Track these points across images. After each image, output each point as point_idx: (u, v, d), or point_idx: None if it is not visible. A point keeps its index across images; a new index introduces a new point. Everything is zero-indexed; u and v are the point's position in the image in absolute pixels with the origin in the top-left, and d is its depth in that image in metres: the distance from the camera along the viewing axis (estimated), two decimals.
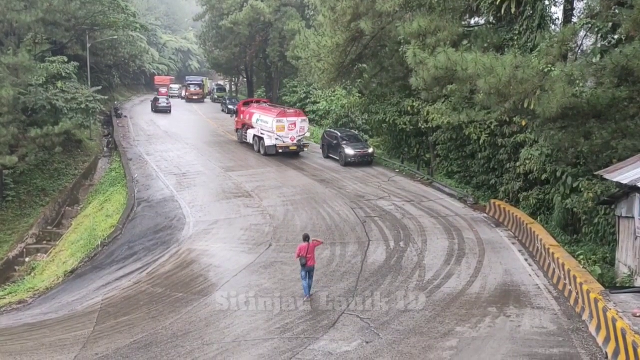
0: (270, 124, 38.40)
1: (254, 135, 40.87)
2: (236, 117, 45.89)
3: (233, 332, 14.74)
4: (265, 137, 39.04)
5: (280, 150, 38.19)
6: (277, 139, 38.17)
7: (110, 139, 49.25)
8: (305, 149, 39.07)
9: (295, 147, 38.40)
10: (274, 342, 13.92)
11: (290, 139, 38.20)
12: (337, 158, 36.38)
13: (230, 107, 61.28)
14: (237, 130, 45.32)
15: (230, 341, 14.19)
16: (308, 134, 40.27)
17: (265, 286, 17.82)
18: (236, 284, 18.18)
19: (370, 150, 36.10)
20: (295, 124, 38.35)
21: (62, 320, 17.46)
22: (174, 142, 45.39)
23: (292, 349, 13.45)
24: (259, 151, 40.07)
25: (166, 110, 63.37)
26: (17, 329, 17.44)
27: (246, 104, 45.73)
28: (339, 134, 37.50)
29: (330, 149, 37.48)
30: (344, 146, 35.66)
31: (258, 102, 46.78)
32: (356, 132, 39.62)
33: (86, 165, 41.89)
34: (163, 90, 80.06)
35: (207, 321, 15.60)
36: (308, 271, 16.46)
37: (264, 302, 16.60)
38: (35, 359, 14.32)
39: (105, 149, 47.50)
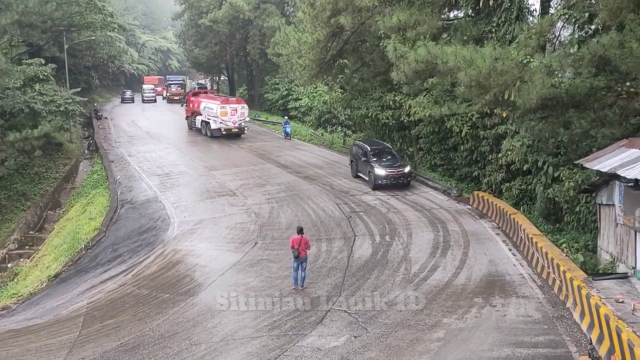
0: (215, 110, 44.65)
1: (202, 121, 46.90)
2: (186, 106, 51.77)
3: (221, 331, 14.71)
4: (211, 121, 45.17)
5: (224, 132, 44.36)
6: (221, 122, 44.37)
7: (91, 141, 48.73)
8: (246, 131, 45.43)
9: (236, 130, 44.82)
10: (262, 340, 13.91)
11: (232, 122, 44.52)
12: (367, 178, 29.69)
13: None
14: (187, 117, 50.93)
15: (218, 340, 14.15)
16: (248, 119, 46.45)
17: (252, 284, 17.79)
18: (223, 283, 18.13)
19: (407, 169, 28.96)
20: (236, 110, 44.83)
21: (47, 325, 17.28)
22: (156, 143, 45.06)
23: (281, 346, 13.46)
24: (206, 134, 46.19)
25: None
26: (2, 335, 17.20)
27: (195, 94, 51.45)
28: (368, 148, 30.29)
29: (360, 165, 30.67)
30: (374, 164, 28.81)
31: (205, 92, 53.58)
32: (388, 145, 31.78)
33: (67, 168, 41.39)
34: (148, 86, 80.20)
35: (194, 321, 15.54)
36: (300, 262, 16.68)
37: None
38: None
39: (86, 151, 46.99)
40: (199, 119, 47.64)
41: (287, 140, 45.16)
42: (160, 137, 47.64)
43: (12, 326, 18.22)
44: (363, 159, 29.95)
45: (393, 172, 28.39)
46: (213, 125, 44.86)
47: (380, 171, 28.37)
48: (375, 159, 29.26)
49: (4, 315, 20.44)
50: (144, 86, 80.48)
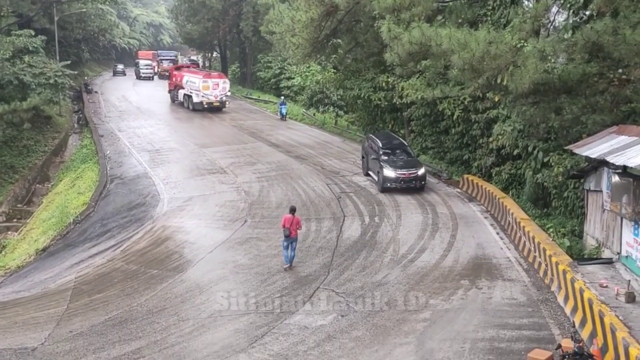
0: (197, 84, 45.95)
1: (184, 94, 48.05)
2: (169, 80, 52.73)
3: (209, 307, 14.78)
4: (193, 95, 46.36)
5: (206, 106, 45.60)
6: (203, 96, 45.60)
7: (81, 115, 48.32)
8: (227, 105, 46.95)
9: (218, 103, 46.15)
10: (250, 317, 14.00)
11: (214, 96, 45.82)
12: (376, 179, 25.94)
13: None
14: (169, 91, 52.01)
15: (206, 317, 14.23)
16: (229, 93, 47.94)
17: (241, 262, 17.85)
18: (211, 260, 18.18)
19: (421, 171, 25.01)
20: (218, 84, 46.24)
21: (35, 299, 17.29)
22: (147, 118, 44.75)
23: (268, 323, 13.56)
24: (188, 107, 47.27)
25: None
26: None
27: (177, 68, 52.69)
28: (380, 144, 26.48)
29: (370, 163, 26.82)
30: (383, 164, 25.00)
31: (188, 67, 54.17)
32: (404, 141, 28.29)
33: (56, 141, 41.09)
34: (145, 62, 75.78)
35: (182, 297, 15.61)
36: (290, 242, 16.75)
37: (239, 277, 16.67)
38: (9, 337, 14.17)
39: (76, 125, 46.60)
40: (181, 92, 48.90)
41: (282, 121, 44.38)
42: (151, 112, 47.30)
43: None
44: (373, 155, 26.08)
45: (404, 174, 24.54)
46: (195, 99, 46.11)
47: (389, 172, 24.50)
48: (386, 157, 25.47)
49: None
50: (140, 61, 75.36)
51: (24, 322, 15.17)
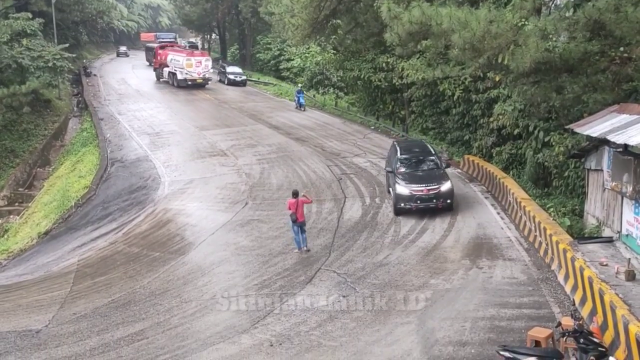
0: (181, 62, 48.10)
1: (169, 72, 50.21)
2: (154, 59, 55.05)
3: (211, 289, 14.88)
4: (177, 72, 48.47)
5: (189, 83, 47.65)
6: (186, 74, 47.69)
7: (80, 98, 48.15)
8: (209, 82, 49.20)
9: (201, 80, 48.26)
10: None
11: (197, 74, 47.88)
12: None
13: (232, 77, 52.97)
14: (155, 69, 54.39)
15: (209, 298, 14.34)
16: (211, 71, 50.20)
17: (243, 244, 17.93)
18: (213, 243, 18.27)
19: (445, 186, 19.54)
20: (200, 62, 48.46)
21: (38, 282, 17.43)
22: (146, 101, 44.60)
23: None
24: (172, 84, 49.33)
25: None
26: None
27: (162, 47, 54.53)
28: (399, 151, 21.58)
29: (389, 178, 21.37)
30: (398, 177, 19.97)
31: (172, 46, 56.19)
32: (432, 148, 22.44)
33: (56, 125, 40.99)
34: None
35: (184, 279, 15.71)
36: (299, 226, 16.66)
37: (241, 259, 16.75)
38: (13, 319, 14.31)
39: (75, 108, 46.45)
40: (166, 70, 51.08)
41: (300, 111, 40.29)
42: (150, 95, 47.15)
43: (2, 282, 18.36)
44: (388, 168, 21.33)
45: (421, 190, 19.26)
46: (179, 76, 48.32)
47: (401, 189, 19.41)
48: (403, 169, 20.55)
49: None
50: (148, 44, 69.94)
51: (28, 304, 15.30)
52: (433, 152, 21.74)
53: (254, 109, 41.21)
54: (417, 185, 19.58)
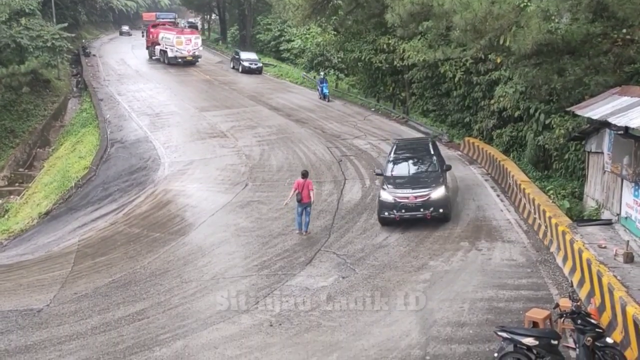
0: (171, 40, 49.53)
1: (160, 50, 51.52)
2: (146, 37, 56.37)
3: (211, 270, 14.96)
4: (168, 50, 49.97)
5: (180, 60, 49.14)
6: (177, 51, 49.22)
7: (80, 79, 47.90)
8: (199, 59, 50.68)
9: (191, 58, 49.77)
10: (252, 279, 14.18)
11: (187, 51, 49.47)
12: None
13: (246, 64, 48.94)
14: (147, 47, 55.73)
15: (209, 278, 14.41)
16: (201, 48, 51.57)
17: (242, 225, 17.98)
18: (213, 224, 18.31)
19: (437, 192, 16.87)
20: (190, 40, 49.83)
21: (39, 261, 17.51)
22: (146, 82, 44.38)
23: (270, 285, 13.73)
24: (164, 62, 50.66)
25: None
26: None
27: (154, 26, 55.51)
28: (394, 150, 19.49)
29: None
30: (385, 182, 17.68)
31: (164, 25, 56.71)
32: (431, 146, 19.54)
33: (55, 105, 40.84)
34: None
35: (185, 260, 15.78)
36: (304, 207, 16.58)
37: (241, 240, 16.80)
38: (14, 299, 14.40)
39: (75, 89, 46.23)
40: (157, 48, 52.27)
41: (324, 102, 36.95)
42: (150, 76, 46.90)
43: (3, 261, 18.44)
44: (378, 170, 19.36)
45: (406, 197, 16.80)
46: (170, 54, 49.80)
47: (385, 195, 17.06)
48: (392, 172, 18.12)
49: None
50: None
51: (29, 284, 15.38)
52: (432, 152, 18.85)
53: (254, 90, 41.04)
54: (402, 191, 16.94)
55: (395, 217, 16.74)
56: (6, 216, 27.04)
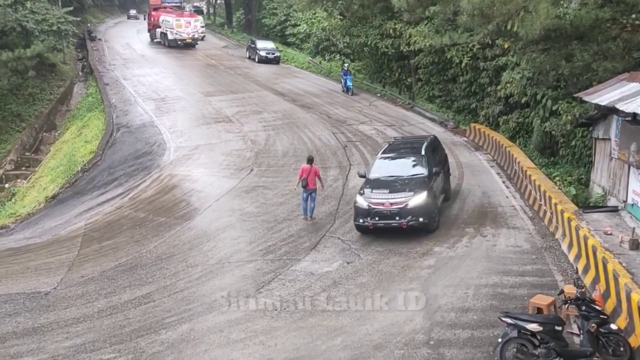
0: (171, 23, 50.30)
1: (161, 32, 52.03)
2: (148, 20, 57.13)
3: (216, 254, 15.03)
4: (168, 32, 50.62)
5: (180, 43, 49.88)
6: (176, 34, 50.01)
7: (85, 63, 47.84)
8: (199, 41, 51.14)
9: (190, 40, 50.43)
10: (257, 264, 14.24)
11: (187, 34, 50.14)
12: None
13: (263, 54, 46.05)
14: (149, 30, 56.31)
15: (214, 263, 14.49)
16: (202, 31, 51.80)
17: (248, 210, 18.03)
18: (218, 208, 18.37)
19: (416, 199, 14.91)
20: (190, 22, 50.50)
21: (46, 245, 17.64)
22: (152, 66, 44.28)
23: (275, 269, 13.79)
24: (164, 44, 51.28)
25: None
26: (1, 253, 17.59)
27: (155, 9, 55.75)
28: (382, 150, 18.06)
29: None
30: (364, 186, 16.05)
31: (164, 8, 56.98)
32: (424, 146, 17.11)
33: (61, 90, 40.82)
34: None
35: (190, 244, 15.86)
36: (309, 193, 16.55)
37: (246, 225, 16.85)
38: (22, 281, 14.54)
39: (80, 73, 46.18)
40: (158, 31, 52.82)
41: (348, 95, 34.20)
42: (155, 60, 46.77)
43: (11, 245, 18.59)
44: (360, 172, 18.11)
45: (381, 203, 15.02)
46: (170, 36, 50.52)
47: (360, 200, 15.37)
48: (373, 175, 16.36)
49: (2, 234, 20.79)
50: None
51: (37, 267, 15.52)
52: (424, 153, 16.58)
53: (260, 75, 40.91)
54: (378, 197, 15.15)
55: (369, 226, 15.01)
56: (13, 200, 27.19)
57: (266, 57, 45.64)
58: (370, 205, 15.05)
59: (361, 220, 15.20)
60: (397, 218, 14.87)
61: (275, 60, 45.98)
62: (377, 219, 14.98)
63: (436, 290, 12.23)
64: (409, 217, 14.79)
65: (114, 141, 28.34)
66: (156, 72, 42.06)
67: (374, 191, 15.47)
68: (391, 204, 14.93)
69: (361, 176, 16.97)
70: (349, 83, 34.53)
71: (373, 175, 16.27)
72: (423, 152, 16.72)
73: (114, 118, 31.48)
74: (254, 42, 48.47)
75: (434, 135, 19.13)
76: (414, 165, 16.41)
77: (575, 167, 19.70)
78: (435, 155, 17.33)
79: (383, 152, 17.53)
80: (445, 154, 18.71)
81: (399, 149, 18.11)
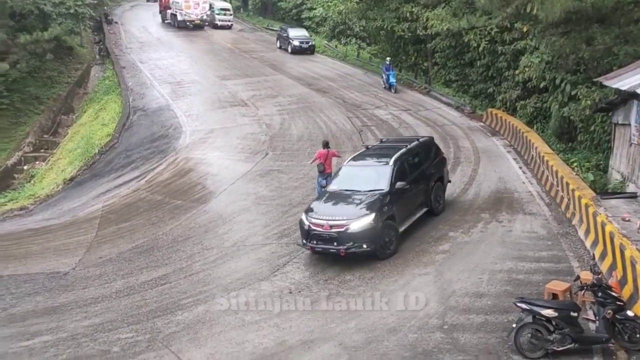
0: (180, 4, 50.43)
1: (171, 14, 52.57)
2: (159, 1, 57.42)
3: (232, 237, 15.14)
4: (177, 14, 50.98)
5: (189, 24, 50.17)
6: (185, 15, 50.27)
7: (102, 46, 47.98)
8: (206, 24, 51.08)
9: (199, 22, 50.66)
10: (272, 247, 14.32)
11: (195, 15, 50.41)
12: None
13: (297, 43, 41.77)
14: (160, 12, 56.91)
15: (230, 246, 14.60)
16: (209, 12, 51.57)
17: (263, 194, 18.09)
18: (234, 192, 18.47)
19: (358, 223, 12.79)
20: (198, 4, 50.45)
21: (65, 226, 17.90)
22: (167, 50, 44.28)
23: (289, 253, 13.86)
24: (174, 25, 51.56)
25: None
26: (21, 233, 17.90)
27: None
28: (357, 153, 16.16)
29: None
30: (314, 200, 14.56)
31: None
32: (402, 151, 14.88)
33: (79, 72, 41.07)
34: None
35: (206, 227, 15.99)
36: (325, 177, 16.36)
37: (261, 209, 16.92)
38: (41, 262, 14.78)
39: (97, 56, 46.37)
40: (168, 12, 53.29)
41: (390, 92, 30.84)
42: (171, 44, 46.74)
43: (31, 225, 18.89)
44: (322, 181, 16.29)
45: (320, 225, 12.96)
46: (179, 17, 50.81)
47: (303, 218, 13.46)
48: (331, 186, 14.58)
49: (22, 215, 21.12)
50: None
51: (55, 248, 15.76)
52: (391, 163, 14.11)
53: (275, 59, 40.74)
54: (319, 216, 13.16)
55: (308, 248, 13.23)
56: (32, 182, 27.57)
57: (300, 46, 41.51)
58: (310, 225, 13.04)
59: (303, 241, 13.34)
60: (335, 244, 12.76)
61: (310, 50, 41.73)
62: (314, 242, 13.00)
63: (450, 275, 12.22)
64: (350, 244, 12.68)
65: (130, 124, 28.53)
66: (172, 55, 42.07)
67: (321, 207, 13.57)
68: (330, 227, 12.79)
69: (322, 187, 15.51)
70: (392, 79, 31.02)
71: (332, 187, 14.34)
72: (391, 163, 14.19)
73: (131, 101, 31.64)
74: (285, 31, 43.68)
75: (430, 137, 17.30)
76: (375, 178, 13.98)
77: (593, 153, 19.47)
78: (421, 163, 15.12)
79: (352, 159, 15.28)
80: (441, 159, 16.44)
81: (371, 155, 15.53)
